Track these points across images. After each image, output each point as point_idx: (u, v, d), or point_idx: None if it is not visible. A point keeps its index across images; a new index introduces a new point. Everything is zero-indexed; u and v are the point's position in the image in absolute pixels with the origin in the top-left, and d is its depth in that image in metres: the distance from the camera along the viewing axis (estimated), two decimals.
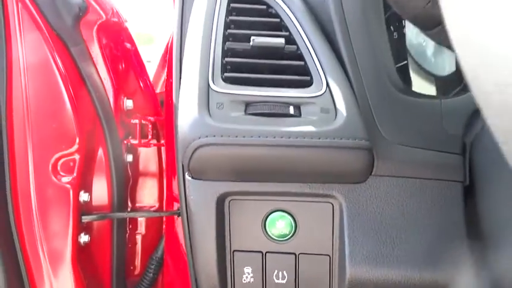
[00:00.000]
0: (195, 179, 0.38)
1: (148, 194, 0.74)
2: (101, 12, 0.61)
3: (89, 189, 0.60)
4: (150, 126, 0.70)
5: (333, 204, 0.38)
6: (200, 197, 0.38)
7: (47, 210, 0.55)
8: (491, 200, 0.36)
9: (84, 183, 0.59)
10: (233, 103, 0.36)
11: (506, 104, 0.13)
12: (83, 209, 0.59)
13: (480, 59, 0.13)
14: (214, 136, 0.34)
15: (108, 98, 0.64)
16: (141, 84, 0.70)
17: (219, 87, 0.36)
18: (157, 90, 0.78)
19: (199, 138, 0.34)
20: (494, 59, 0.13)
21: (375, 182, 0.37)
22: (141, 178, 0.74)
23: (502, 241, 0.34)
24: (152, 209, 0.74)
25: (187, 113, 0.35)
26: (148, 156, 0.74)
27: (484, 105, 0.15)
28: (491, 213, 0.35)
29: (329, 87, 0.37)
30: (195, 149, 0.34)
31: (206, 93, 0.36)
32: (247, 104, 0.36)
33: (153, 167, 0.75)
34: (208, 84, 0.36)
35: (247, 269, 0.40)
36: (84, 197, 0.58)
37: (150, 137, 0.70)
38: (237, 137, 0.34)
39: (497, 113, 0.14)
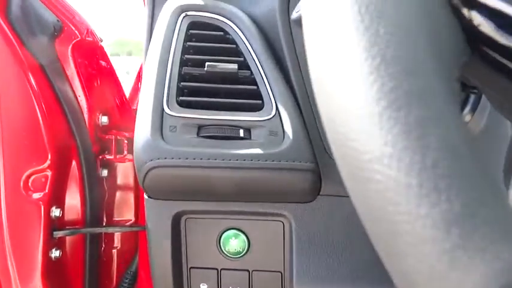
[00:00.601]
0: (152, 198, 0.39)
1: (124, 208, 0.75)
2: (76, 32, 0.63)
3: (61, 205, 0.61)
4: (125, 141, 0.71)
5: (283, 223, 0.40)
6: (157, 215, 0.40)
7: (18, 225, 0.56)
8: None
9: (56, 198, 0.60)
10: (186, 126, 0.37)
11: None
12: (54, 224, 0.60)
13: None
14: (166, 158, 0.35)
15: (83, 115, 0.66)
16: (117, 101, 0.72)
17: (173, 110, 0.38)
18: (134, 106, 0.80)
19: (151, 160, 0.35)
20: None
21: (322, 201, 0.39)
22: (118, 193, 0.74)
23: None
24: (128, 223, 0.75)
25: (141, 136, 0.36)
26: (125, 171, 0.75)
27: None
28: None
29: (278, 111, 0.38)
30: (148, 171, 0.36)
31: (160, 116, 0.37)
32: (200, 127, 0.38)
33: (130, 181, 0.76)
34: (163, 108, 0.38)
35: (203, 286, 0.41)
36: (55, 212, 0.59)
37: (125, 152, 0.71)
38: (187, 159, 0.35)
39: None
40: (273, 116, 0.38)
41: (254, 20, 0.44)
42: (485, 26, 0.16)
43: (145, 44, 0.53)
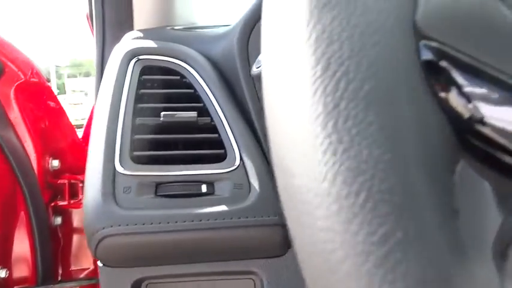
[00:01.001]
0: (107, 266, 0.35)
1: (82, 256, 0.70)
2: (19, 73, 0.58)
3: (7, 264, 0.55)
4: (80, 184, 0.66)
5: (254, 280, 0.37)
6: (113, 283, 0.35)
7: None
8: None
9: (1, 258, 0.54)
10: (142, 186, 0.34)
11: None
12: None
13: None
14: (120, 225, 0.32)
15: (30, 161, 0.60)
16: (69, 142, 0.67)
17: (127, 168, 0.34)
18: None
19: (104, 228, 0.32)
20: None
21: (294, 253, 0.36)
22: (74, 240, 0.69)
23: None
24: (86, 272, 0.69)
25: (91, 201, 0.33)
26: (80, 217, 0.70)
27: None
28: None
29: (242, 161, 0.36)
30: (100, 240, 0.32)
31: (112, 176, 0.34)
32: (158, 185, 0.34)
33: None
34: (114, 167, 0.34)
35: None
36: (1, 274, 0.53)
37: (80, 196, 0.66)
38: (144, 224, 0.32)
39: None
40: (237, 167, 0.36)
41: (212, 62, 0.41)
42: (460, 105, 0.14)
43: (95, 89, 0.49)
